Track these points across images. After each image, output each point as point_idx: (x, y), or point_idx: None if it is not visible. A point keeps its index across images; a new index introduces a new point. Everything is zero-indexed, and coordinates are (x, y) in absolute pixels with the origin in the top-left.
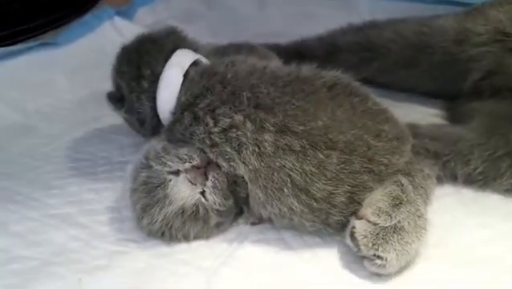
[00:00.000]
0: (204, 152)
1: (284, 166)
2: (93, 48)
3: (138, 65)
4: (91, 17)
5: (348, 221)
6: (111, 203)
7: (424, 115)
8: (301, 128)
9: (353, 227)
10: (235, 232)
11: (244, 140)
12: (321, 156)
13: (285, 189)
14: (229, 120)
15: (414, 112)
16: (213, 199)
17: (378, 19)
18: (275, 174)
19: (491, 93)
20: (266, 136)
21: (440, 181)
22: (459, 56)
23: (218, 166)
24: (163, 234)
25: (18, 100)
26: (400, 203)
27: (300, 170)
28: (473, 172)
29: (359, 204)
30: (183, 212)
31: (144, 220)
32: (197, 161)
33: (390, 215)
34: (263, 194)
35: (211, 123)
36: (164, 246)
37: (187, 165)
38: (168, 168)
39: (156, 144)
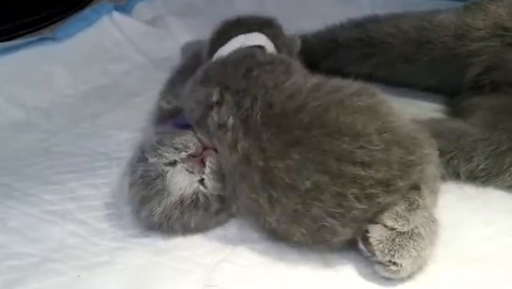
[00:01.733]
0: (199, 137)
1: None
2: (92, 43)
3: None
4: (90, 11)
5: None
6: (110, 199)
7: (424, 110)
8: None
9: (367, 232)
10: (235, 228)
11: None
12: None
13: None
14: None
15: (414, 107)
16: (212, 185)
17: (378, 14)
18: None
19: (491, 88)
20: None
21: (443, 178)
22: (459, 51)
23: (215, 150)
24: (161, 225)
25: (17, 95)
26: (417, 208)
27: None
28: (475, 168)
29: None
30: (182, 202)
31: (143, 212)
32: (192, 150)
33: (408, 220)
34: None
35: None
36: (164, 243)
37: (183, 155)
38: (164, 160)
39: (152, 136)
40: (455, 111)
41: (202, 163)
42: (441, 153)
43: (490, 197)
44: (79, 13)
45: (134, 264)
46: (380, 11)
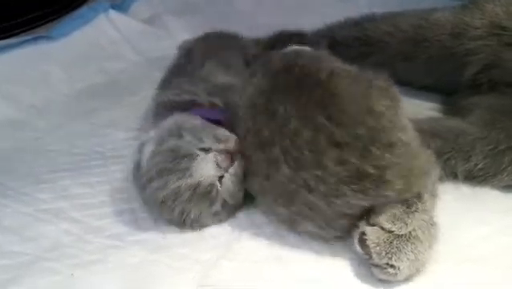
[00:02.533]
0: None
1: None
2: (88, 41)
3: None
4: (86, 10)
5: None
6: (105, 197)
7: (421, 109)
8: None
9: (363, 234)
10: (232, 225)
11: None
12: None
13: None
14: None
15: (412, 106)
16: (228, 186)
17: (376, 13)
18: None
19: (489, 87)
20: None
21: (440, 179)
22: (456, 50)
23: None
24: (164, 204)
25: (13, 94)
26: (416, 211)
27: None
28: (473, 168)
29: None
30: (196, 188)
31: (155, 184)
32: (231, 145)
33: (405, 223)
34: None
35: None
36: (160, 240)
37: (221, 146)
38: (201, 144)
39: (193, 118)
40: (452, 110)
41: (231, 162)
42: (439, 153)
43: (487, 197)
44: (75, 11)
45: (129, 262)
46: (378, 10)
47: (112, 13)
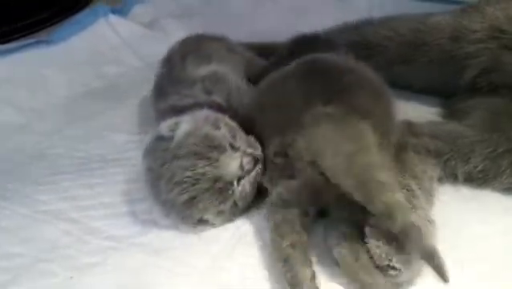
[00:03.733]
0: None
1: None
2: (88, 45)
3: None
4: (86, 14)
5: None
6: (104, 199)
7: (421, 112)
8: None
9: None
10: (232, 230)
11: None
12: None
13: None
14: None
15: (411, 110)
16: (244, 188)
17: (375, 17)
18: None
19: (488, 90)
20: None
21: (440, 180)
22: (455, 53)
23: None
24: (181, 183)
25: (12, 97)
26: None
27: None
28: (473, 170)
29: None
30: (217, 181)
31: (183, 162)
32: (258, 152)
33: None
34: None
35: None
36: (158, 243)
37: (249, 150)
38: (233, 141)
39: (227, 119)
40: (452, 113)
41: (254, 166)
42: (438, 154)
43: (487, 199)
44: (75, 15)
45: (128, 265)
46: (377, 14)
47: (112, 17)
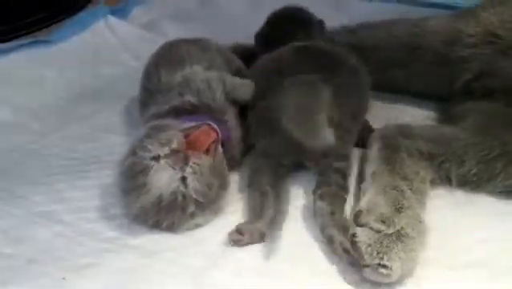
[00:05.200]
0: (185, 136)
1: None
2: (86, 46)
3: None
4: (85, 15)
5: None
6: (99, 201)
7: (415, 116)
8: None
9: (354, 235)
10: (227, 231)
11: None
12: None
13: None
14: None
15: (406, 114)
16: (193, 186)
17: (370, 20)
18: None
19: (483, 94)
20: None
21: (433, 183)
22: (450, 57)
23: (208, 151)
24: (137, 217)
25: (9, 96)
26: (401, 208)
27: None
28: (467, 173)
29: None
30: (159, 202)
31: (125, 201)
32: (174, 145)
33: (393, 221)
34: None
35: None
36: (152, 244)
37: (166, 150)
38: (148, 154)
39: (143, 130)
40: (446, 117)
41: (186, 160)
42: (432, 157)
43: (481, 202)
44: (74, 16)
45: (121, 266)
46: (373, 18)
47: (111, 18)
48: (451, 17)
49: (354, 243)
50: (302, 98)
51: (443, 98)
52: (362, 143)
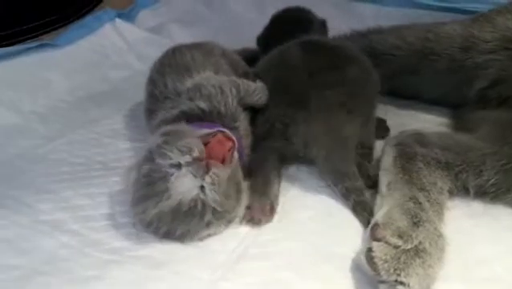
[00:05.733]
0: (205, 144)
1: None
2: (93, 50)
3: None
4: (92, 18)
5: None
6: (106, 209)
7: (429, 123)
8: None
9: (370, 250)
10: (235, 243)
11: None
12: None
13: None
14: None
15: (418, 121)
16: (212, 195)
17: (382, 25)
18: None
19: (498, 102)
20: None
21: (450, 193)
22: (465, 63)
23: (224, 160)
24: (150, 225)
25: (15, 101)
26: (419, 222)
27: None
28: (485, 183)
29: None
30: (178, 208)
31: (138, 208)
32: (196, 153)
33: (411, 236)
34: None
35: None
36: (160, 255)
37: (187, 158)
38: (169, 161)
39: (159, 136)
40: (461, 125)
41: (207, 169)
42: (449, 166)
43: (498, 214)
44: (80, 20)
45: (127, 279)
46: (383, 22)
47: (118, 22)
48: (465, 22)
49: (370, 258)
50: (331, 125)
51: (456, 105)
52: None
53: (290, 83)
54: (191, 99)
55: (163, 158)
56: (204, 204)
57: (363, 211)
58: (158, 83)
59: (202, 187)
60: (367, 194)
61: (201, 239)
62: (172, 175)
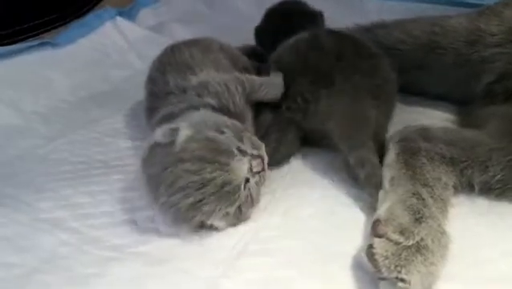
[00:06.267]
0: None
1: None
2: (94, 48)
3: None
4: (93, 17)
5: None
6: (106, 207)
7: (434, 119)
8: None
9: (371, 246)
10: (235, 240)
11: None
12: None
13: None
14: None
15: (425, 116)
16: (252, 190)
17: (386, 19)
18: None
19: (505, 97)
20: None
21: (455, 189)
22: (471, 57)
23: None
24: (186, 188)
25: (16, 100)
26: (422, 218)
27: None
28: (491, 179)
29: None
30: (225, 185)
31: (188, 166)
32: (262, 152)
33: (412, 232)
34: None
35: None
36: (160, 253)
37: (255, 152)
38: (240, 144)
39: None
40: (467, 120)
41: (262, 169)
42: (454, 162)
43: (503, 211)
44: (81, 18)
45: (127, 276)
46: (387, 17)
47: (119, 20)
48: (472, 15)
49: (371, 255)
50: (351, 108)
51: (463, 101)
52: None
53: (317, 64)
54: (199, 96)
55: (237, 139)
56: (239, 195)
57: (373, 183)
58: (158, 80)
59: (247, 181)
60: (380, 170)
61: (209, 230)
62: (236, 156)
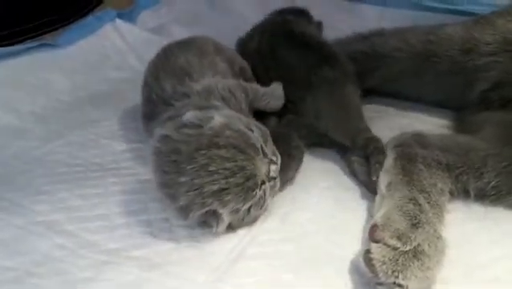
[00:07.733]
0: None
1: None
2: (93, 50)
3: None
4: (93, 19)
5: None
6: (101, 210)
7: (430, 125)
8: None
9: (369, 252)
10: (232, 243)
11: None
12: None
13: None
14: None
15: (420, 123)
16: (263, 195)
17: (384, 28)
18: None
19: (500, 104)
20: None
21: (451, 195)
22: (466, 65)
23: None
24: (212, 173)
25: (14, 101)
26: (418, 223)
27: None
28: (486, 186)
29: None
30: (249, 179)
31: (220, 152)
32: (280, 161)
33: (409, 237)
34: None
35: None
36: (156, 257)
37: (274, 159)
38: (264, 146)
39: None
40: (463, 127)
41: (278, 176)
42: (450, 168)
43: (499, 217)
44: (81, 20)
45: (122, 281)
46: (386, 24)
47: (119, 22)
48: (467, 24)
49: (368, 260)
50: (334, 100)
51: (458, 107)
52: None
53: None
54: (206, 99)
55: (263, 139)
56: (256, 194)
57: (380, 156)
58: (153, 87)
59: (263, 183)
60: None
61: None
62: (259, 154)
